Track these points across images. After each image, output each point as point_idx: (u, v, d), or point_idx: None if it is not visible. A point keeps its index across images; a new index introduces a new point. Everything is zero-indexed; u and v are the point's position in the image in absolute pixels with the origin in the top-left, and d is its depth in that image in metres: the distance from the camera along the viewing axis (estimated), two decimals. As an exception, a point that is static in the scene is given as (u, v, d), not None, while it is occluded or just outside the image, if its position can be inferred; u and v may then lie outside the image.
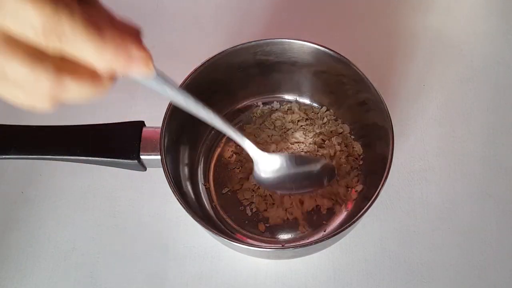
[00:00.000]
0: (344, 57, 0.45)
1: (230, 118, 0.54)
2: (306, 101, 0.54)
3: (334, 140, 0.50)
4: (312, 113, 0.53)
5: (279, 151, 0.50)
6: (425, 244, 0.48)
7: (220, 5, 0.63)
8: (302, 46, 0.46)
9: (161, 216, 0.51)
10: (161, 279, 0.48)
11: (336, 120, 0.52)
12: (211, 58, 0.45)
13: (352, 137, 0.51)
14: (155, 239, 0.50)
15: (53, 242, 0.50)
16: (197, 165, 0.51)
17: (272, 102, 0.54)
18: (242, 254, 0.46)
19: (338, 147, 0.50)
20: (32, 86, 0.22)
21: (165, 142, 0.42)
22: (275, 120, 0.53)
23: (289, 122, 0.52)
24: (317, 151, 0.50)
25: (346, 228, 0.39)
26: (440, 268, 0.47)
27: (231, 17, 0.62)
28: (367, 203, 0.39)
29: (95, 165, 0.43)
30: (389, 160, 0.40)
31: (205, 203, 0.50)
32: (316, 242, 0.39)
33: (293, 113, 0.53)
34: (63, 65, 0.23)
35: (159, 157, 0.41)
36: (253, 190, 0.49)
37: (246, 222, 0.48)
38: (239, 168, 0.51)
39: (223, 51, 0.46)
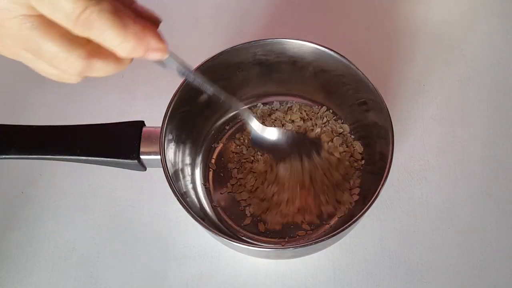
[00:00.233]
0: (344, 57, 0.45)
1: (230, 118, 0.54)
2: (306, 101, 0.54)
3: (336, 141, 0.50)
4: (312, 113, 0.53)
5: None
6: (425, 244, 0.48)
7: (220, 5, 0.63)
8: (302, 46, 0.46)
9: (161, 216, 0.51)
10: (161, 279, 0.48)
11: (336, 120, 0.52)
12: (211, 58, 0.45)
13: (352, 137, 0.51)
14: (155, 239, 0.50)
15: (53, 242, 0.50)
16: (197, 165, 0.51)
17: (272, 102, 0.54)
18: (242, 254, 0.46)
19: (341, 149, 0.50)
20: (64, 64, 0.26)
21: (165, 142, 0.42)
22: (275, 120, 0.53)
23: (289, 122, 0.52)
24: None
25: (346, 228, 0.39)
26: (440, 268, 0.47)
27: (231, 17, 0.62)
28: (367, 203, 0.39)
29: (95, 165, 0.43)
30: (389, 160, 0.40)
31: (205, 203, 0.50)
32: (316, 242, 0.38)
33: (293, 113, 0.53)
34: (91, 47, 0.26)
35: (159, 157, 0.41)
36: (251, 191, 0.49)
37: (246, 222, 0.48)
38: (239, 168, 0.51)
39: (223, 51, 0.46)
